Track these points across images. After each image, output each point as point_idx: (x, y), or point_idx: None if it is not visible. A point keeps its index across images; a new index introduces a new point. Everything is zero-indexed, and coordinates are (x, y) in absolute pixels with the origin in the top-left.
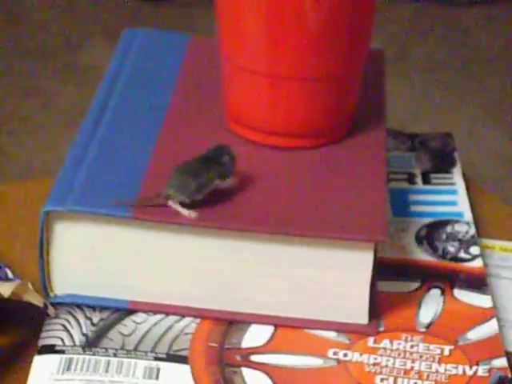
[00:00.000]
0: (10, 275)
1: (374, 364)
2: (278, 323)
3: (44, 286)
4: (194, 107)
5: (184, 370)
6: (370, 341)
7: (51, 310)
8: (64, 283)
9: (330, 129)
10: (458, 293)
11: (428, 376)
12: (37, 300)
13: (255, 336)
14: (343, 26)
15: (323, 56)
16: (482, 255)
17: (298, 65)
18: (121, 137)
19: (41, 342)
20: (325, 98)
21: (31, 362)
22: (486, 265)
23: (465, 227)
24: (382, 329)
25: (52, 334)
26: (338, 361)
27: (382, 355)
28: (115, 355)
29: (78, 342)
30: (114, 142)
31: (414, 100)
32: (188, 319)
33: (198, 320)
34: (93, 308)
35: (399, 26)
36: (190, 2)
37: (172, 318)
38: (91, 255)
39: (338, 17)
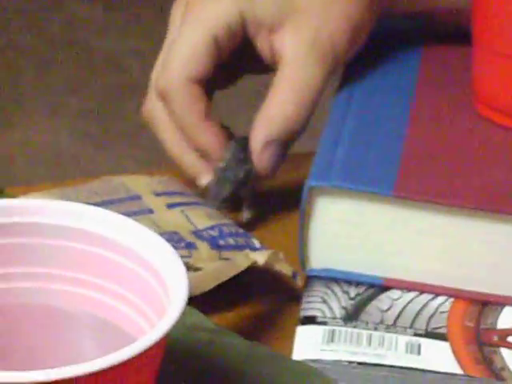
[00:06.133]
0: (257, 245)
1: None
2: None
3: (301, 259)
4: (440, 90)
5: (443, 346)
6: None
7: (299, 280)
8: (320, 257)
9: None
10: None
11: None
12: (286, 269)
13: (510, 317)
14: None
15: None
16: None
17: None
18: (373, 116)
19: (302, 313)
20: None
21: (289, 329)
22: None
23: None
24: None
25: (312, 306)
26: None
27: None
28: (376, 329)
29: (338, 315)
30: (368, 121)
31: None
32: (442, 298)
33: (451, 299)
34: (348, 282)
35: None
36: None
37: (426, 296)
38: (348, 231)
39: None
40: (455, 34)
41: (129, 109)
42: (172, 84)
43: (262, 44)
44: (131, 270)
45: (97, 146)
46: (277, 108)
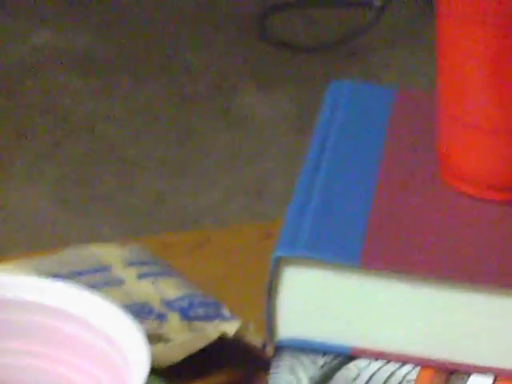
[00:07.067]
0: (227, 315)
1: None
2: (498, 374)
3: (269, 329)
4: (407, 158)
5: None
6: None
7: (270, 350)
8: (288, 327)
9: None
10: None
11: None
12: (256, 340)
13: None
14: None
15: None
16: None
17: None
18: (340, 186)
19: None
20: None
21: None
22: None
23: None
24: None
25: (280, 376)
26: None
27: None
28: None
29: None
30: (334, 191)
31: None
32: (409, 366)
33: (418, 367)
34: (316, 351)
35: None
36: (333, 53)
37: (394, 365)
38: (316, 300)
39: None
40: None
41: (105, 174)
42: None
43: None
44: (93, 344)
45: (73, 212)
46: None
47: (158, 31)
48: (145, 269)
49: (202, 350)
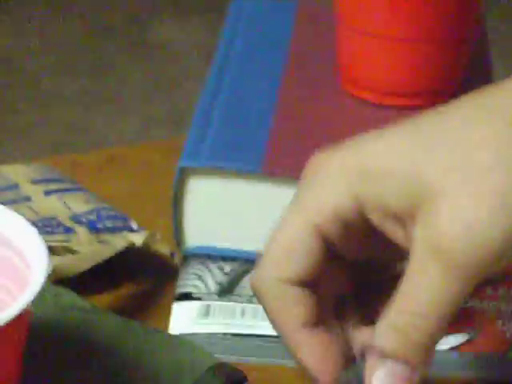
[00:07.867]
0: (135, 227)
1: None
2: None
3: (177, 239)
4: (309, 69)
5: None
6: None
7: (177, 259)
8: (195, 236)
9: (443, 89)
10: None
11: None
12: (164, 249)
13: None
14: None
15: (438, 18)
16: None
17: (412, 27)
18: (243, 97)
19: (178, 290)
20: (438, 59)
21: (167, 307)
22: None
23: None
24: None
25: (188, 283)
26: None
27: None
28: (249, 302)
29: (213, 290)
30: (237, 103)
31: None
32: None
33: None
34: (223, 258)
35: None
36: None
37: None
38: (221, 209)
39: None
40: None
41: (22, 106)
42: (262, 285)
43: (389, 230)
44: None
45: None
46: (395, 317)
47: None
48: (52, 186)
49: (111, 262)
